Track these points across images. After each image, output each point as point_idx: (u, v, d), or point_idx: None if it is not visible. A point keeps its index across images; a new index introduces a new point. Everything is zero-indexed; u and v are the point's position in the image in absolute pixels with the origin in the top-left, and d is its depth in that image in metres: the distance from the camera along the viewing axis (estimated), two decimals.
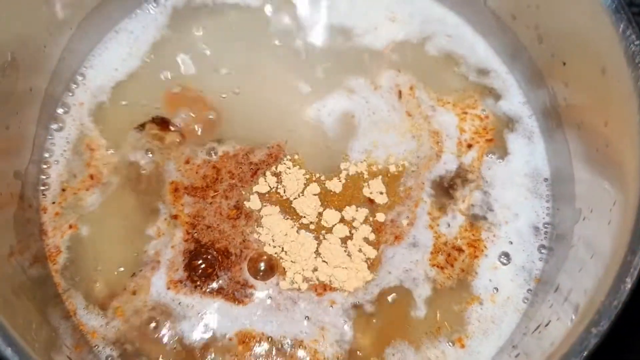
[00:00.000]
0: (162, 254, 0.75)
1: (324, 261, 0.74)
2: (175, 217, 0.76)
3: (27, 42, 0.72)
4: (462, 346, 0.73)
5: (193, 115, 0.81)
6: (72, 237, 0.76)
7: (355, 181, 0.78)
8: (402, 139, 0.81)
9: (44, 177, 0.77)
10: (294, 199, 0.76)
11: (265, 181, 0.77)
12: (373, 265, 0.75)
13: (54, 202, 0.77)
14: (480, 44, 0.85)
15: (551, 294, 0.71)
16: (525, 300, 0.75)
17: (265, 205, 0.76)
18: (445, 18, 0.86)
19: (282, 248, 0.75)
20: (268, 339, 0.72)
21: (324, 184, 0.77)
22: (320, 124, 0.81)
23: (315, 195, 0.76)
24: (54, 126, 0.79)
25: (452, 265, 0.76)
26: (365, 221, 0.76)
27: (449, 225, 0.78)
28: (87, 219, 0.76)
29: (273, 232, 0.75)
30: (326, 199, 0.77)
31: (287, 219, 0.76)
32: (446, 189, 0.79)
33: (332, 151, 0.79)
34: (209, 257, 0.74)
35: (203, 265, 0.74)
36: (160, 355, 0.71)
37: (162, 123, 0.80)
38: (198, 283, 0.74)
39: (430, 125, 0.82)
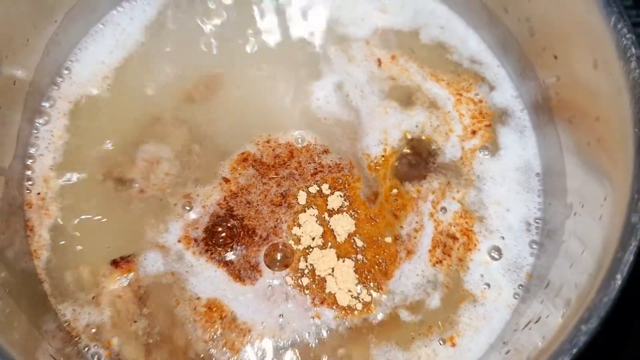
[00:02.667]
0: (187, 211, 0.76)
1: (334, 280, 0.73)
2: (226, 180, 0.77)
3: (10, 34, 0.71)
4: (453, 345, 0.72)
5: None
6: (58, 232, 0.75)
7: (388, 208, 0.77)
8: (409, 111, 0.81)
9: (28, 172, 0.76)
10: (332, 214, 0.76)
11: (319, 186, 0.77)
12: (374, 302, 0.74)
13: (38, 194, 0.76)
14: (472, 37, 0.85)
15: (542, 290, 0.70)
16: (516, 296, 0.74)
17: (309, 207, 0.76)
18: (436, 10, 0.85)
19: (306, 249, 0.74)
20: (232, 317, 0.72)
21: (365, 212, 0.77)
22: (329, 115, 0.81)
23: (352, 218, 0.76)
24: (40, 120, 0.78)
25: (449, 256, 0.75)
26: (385, 253, 0.75)
27: (445, 211, 0.77)
28: (75, 212, 0.75)
29: (304, 231, 0.75)
30: (360, 224, 0.76)
31: (320, 225, 0.75)
32: (448, 175, 0.79)
33: (355, 151, 0.80)
34: (233, 228, 0.75)
35: (224, 234, 0.75)
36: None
37: None
38: (211, 248, 0.74)
39: (423, 92, 0.82)
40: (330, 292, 0.73)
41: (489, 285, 0.75)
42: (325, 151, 0.79)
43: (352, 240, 0.75)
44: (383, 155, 0.79)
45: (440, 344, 0.72)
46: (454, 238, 0.76)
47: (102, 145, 0.78)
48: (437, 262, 0.75)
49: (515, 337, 0.69)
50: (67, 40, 0.80)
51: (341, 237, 0.75)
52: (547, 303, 0.67)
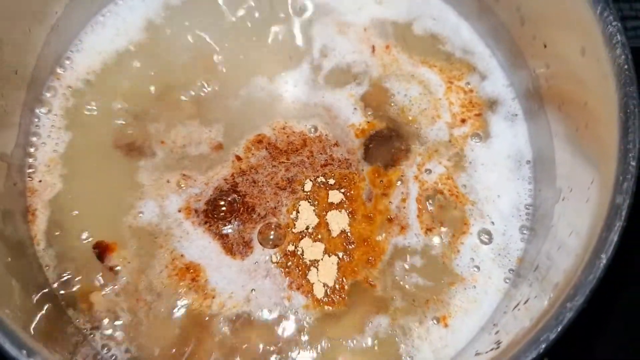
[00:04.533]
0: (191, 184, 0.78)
1: (316, 271, 0.75)
2: (238, 158, 0.79)
3: (11, 25, 0.72)
4: (446, 325, 0.74)
5: None
6: (59, 218, 0.76)
7: (377, 192, 0.79)
8: (406, 83, 0.84)
9: (30, 159, 0.78)
10: (331, 209, 0.78)
11: (326, 179, 0.79)
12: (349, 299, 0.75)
13: (40, 181, 0.77)
14: (463, 26, 0.86)
15: (531, 273, 0.72)
16: (507, 280, 0.76)
17: (311, 196, 0.78)
18: (429, 1, 0.87)
19: (298, 234, 0.76)
20: (204, 282, 0.74)
21: (363, 212, 0.78)
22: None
23: (348, 217, 0.77)
24: (41, 109, 0.80)
25: (441, 224, 0.77)
26: (375, 251, 0.77)
27: (430, 172, 0.80)
28: (75, 198, 0.77)
29: (300, 217, 0.77)
30: (355, 223, 0.77)
31: (317, 217, 0.77)
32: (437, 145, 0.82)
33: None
34: (233, 203, 0.77)
35: (224, 208, 0.77)
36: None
37: None
38: (210, 220, 0.77)
39: (414, 78, 0.84)
40: (309, 280, 0.74)
41: (478, 268, 0.76)
42: (336, 144, 0.81)
43: (344, 237, 0.77)
44: (368, 121, 0.81)
45: (434, 323, 0.74)
46: (441, 192, 0.78)
47: (105, 134, 0.80)
48: (427, 230, 0.77)
49: (505, 318, 0.71)
50: (67, 30, 0.81)
51: (334, 232, 0.77)
52: (535, 285, 0.69)
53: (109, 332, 0.72)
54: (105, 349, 0.72)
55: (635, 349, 0.80)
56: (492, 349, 0.65)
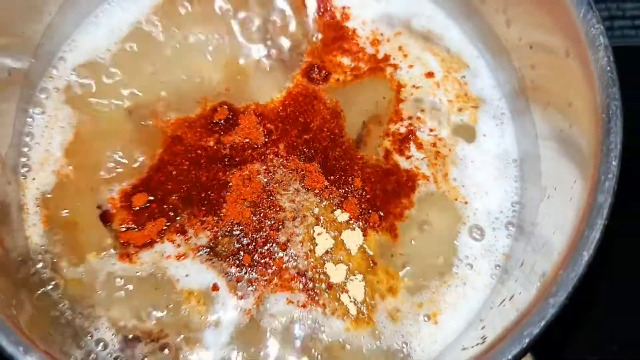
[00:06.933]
0: None
1: (348, 295, 0.75)
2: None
3: (5, 26, 0.73)
4: (435, 322, 0.76)
5: None
6: (53, 218, 0.77)
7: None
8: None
9: (24, 159, 0.79)
10: (344, 229, 0.78)
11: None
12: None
13: (34, 179, 0.78)
14: (452, 27, 0.87)
15: (517, 269, 0.73)
16: (494, 277, 0.77)
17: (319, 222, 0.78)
18: (420, 1, 0.88)
19: (319, 260, 0.76)
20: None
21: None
22: None
23: (361, 230, 0.78)
24: (34, 110, 0.81)
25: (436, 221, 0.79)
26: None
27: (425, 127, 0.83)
28: (68, 198, 0.78)
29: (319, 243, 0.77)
30: (369, 236, 0.78)
31: (333, 239, 0.77)
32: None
33: None
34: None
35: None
36: None
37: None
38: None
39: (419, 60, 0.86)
40: (342, 302, 0.75)
41: (470, 265, 0.78)
42: None
43: (363, 252, 0.77)
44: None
45: (425, 320, 0.75)
46: (439, 155, 0.81)
47: (97, 134, 0.81)
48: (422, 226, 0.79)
49: (491, 314, 0.72)
50: (61, 31, 0.82)
51: (353, 250, 0.77)
52: (521, 281, 0.71)
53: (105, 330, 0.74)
54: (101, 344, 0.73)
55: (618, 342, 0.82)
56: (477, 344, 0.67)
